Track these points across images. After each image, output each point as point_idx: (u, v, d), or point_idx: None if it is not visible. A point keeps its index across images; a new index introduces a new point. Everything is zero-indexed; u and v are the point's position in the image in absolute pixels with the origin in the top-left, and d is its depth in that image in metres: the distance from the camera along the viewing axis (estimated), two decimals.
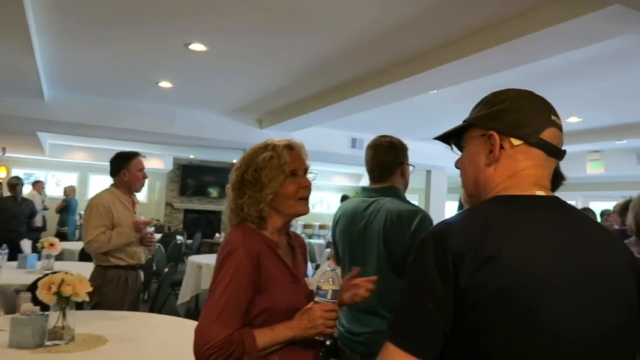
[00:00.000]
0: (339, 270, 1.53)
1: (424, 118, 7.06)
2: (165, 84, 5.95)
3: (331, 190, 15.81)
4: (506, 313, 0.85)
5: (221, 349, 1.27)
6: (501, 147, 1.01)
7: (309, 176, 1.53)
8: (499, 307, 0.85)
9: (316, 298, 1.43)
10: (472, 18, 3.37)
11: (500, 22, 3.27)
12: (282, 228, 1.52)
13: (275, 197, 1.45)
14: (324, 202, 16.14)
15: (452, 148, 1.15)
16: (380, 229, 2.00)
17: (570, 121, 6.81)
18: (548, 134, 1.00)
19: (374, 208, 2.06)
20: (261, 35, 4.06)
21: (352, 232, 2.10)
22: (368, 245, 2.03)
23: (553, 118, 1.02)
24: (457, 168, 1.12)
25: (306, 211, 1.50)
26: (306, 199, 1.50)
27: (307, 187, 1.50)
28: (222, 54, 4.62)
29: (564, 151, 1.03)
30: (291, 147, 1.51)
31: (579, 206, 10.39)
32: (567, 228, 0.94)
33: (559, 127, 1.03)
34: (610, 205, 6.44)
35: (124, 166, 3.24)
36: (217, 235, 10.91)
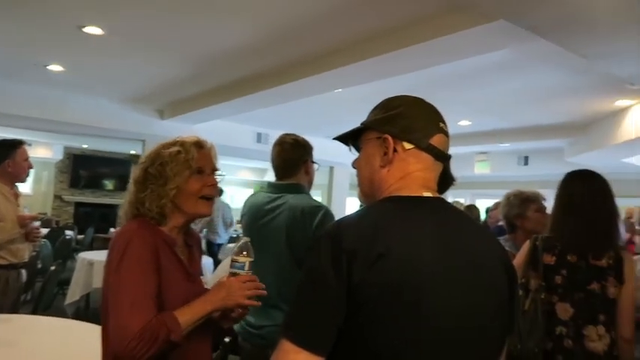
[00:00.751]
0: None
1: (329, 115, 7.20)
2: (55, 67, 5.51)
3: (236, 184, 15.63)
4: (394, 308, 0.89)
5: (143, 338, 1.21)
6: (395, 150, 1.06)
7: (217, 177, 1.51)
8: (387, 303, 0.89)
9: (232, 270, 1.42)
10: (375, 22, 3.49)
11: (400, 28, 3.42)
12: (182, 227, 1.48)
13: (178, 193, 1.42)
14: (228, 196, 15.90)
15: (350, 149, 1.20)
16: (283, 225, 2.03)
17: (461, 124, 7.29)
18: (436, 140, 1.07)
19: (278, 204, 2.09)
20: (162, 23, 3.90)
21: (256, 226, 2.11)
22: (271, 240, 2.05)
23: (441, 125, 1.10)
24: (354, 168, 1.17)
25: (208, 212, 1.48)
26: (210, 199, 1.48)
27: (213, 187, 1.48)
28: (120, 40, 4.38)
29: (450, 156, 1.11)
30: (200, 145, 1.49)
31: (467, 203, 11.17)
32: (449, 227, 1.02)
33: (446, 134, 1.10)
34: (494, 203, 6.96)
35: (8, 155, 2.98)
36: (112, 230, 10.32)
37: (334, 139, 1.22)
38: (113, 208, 13.13)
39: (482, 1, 2.34)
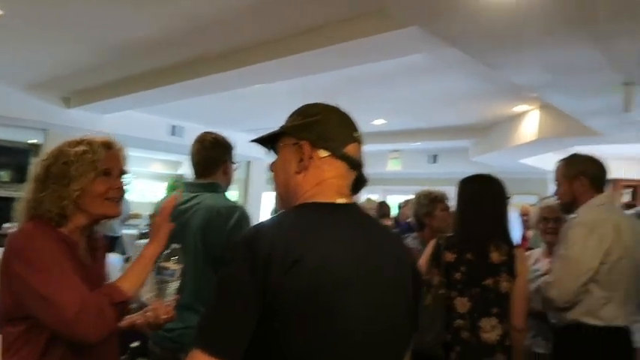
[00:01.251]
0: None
1: (249, 109, 7.11)
2: None
3: (148, 177, 15.01)
4: (308, 313, 0.92)
5: (87, 311, 1.15)
6: (310, 157, 1.08)
7: (124, 180, 1.45)
8: (302, 308, 0.91)
9: (161, 277, 1.38)
10: (292, 21, 3.51)
11: (317, 29, 3.47)
12: (85, 228, 1.41)
13: (82, 194, 1.34)
14: (140, 189, 15.26)
15: (268, 151, 1.21)
16: (199, 225, 2.00)
17: (376, 123, 7.50)
18: (351, 149, 1.11)
19: (193, 203, 2.06)
20: (69, 6, 3.66)
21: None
22: (186, 240, 2.00)
23: (355, 134, 1.14)
24: (271, 171, 1.18)
25: (116, 213, 1.42)
26: (117, 200, 1.42)
27: (119, 189, 1.42)
28: (20, 21, 4.04)
29: (362, 163, 1.15)
30: (109, 145, 1.42)
31: (380, 199, 11.53)
32: (361, 232, 1.06)
33: (360, 143, 1.15)
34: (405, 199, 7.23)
35: None
36: (6, 224, 9.49)
37: (252, 141, 1.22)
38: (9, 200, 12.00)
39: (395, 8, 2.44)
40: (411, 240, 2.90)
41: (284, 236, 0.95)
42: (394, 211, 7.13)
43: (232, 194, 11.97)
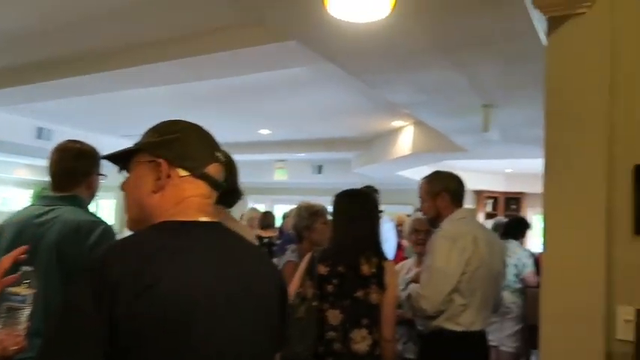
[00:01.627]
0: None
1: (129, 114, 6.70)
2: None
3: (12, 184, 13.60)
4: (163, 340, 0.86)
5: None
6: (168, 175, 1.03)
7: None
8: (156, 336, 0.86)
9: (10, 304, 1.20)
10: (170, 27, 3.38)
11: (195, 36, 3.37)
12: None
13: None
14: (1, 197, 13.75)
15: (119, 170, 1.12)
16: (54, 241, 1.81)
17: (262, 132, 7.50)
18: (212, 169, 1.07)
19: (49, 217, 1.86)
20: None
21: (21, 243, 1.84)
22: (40, 257, 1.81)
23: (217, 154, 1.10)
24: (122, 190, 1.10)
25: None
26: None
27: None
28: None
29: (225, 184, 1.12)
30: None
31: (266, 208, 11.52)
32: (224, 253, 1.03)
33: (221, 163, 1.11)
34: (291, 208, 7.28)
35: None
36: None
37: (103, 157, 1.14)
38: None
39: (273, 21, 2.44)
40: (289, 253, 2.90)
41: (136, 259, 0.89)
42: (280, 221, 7.14)
43: (106, 204, 11.20)
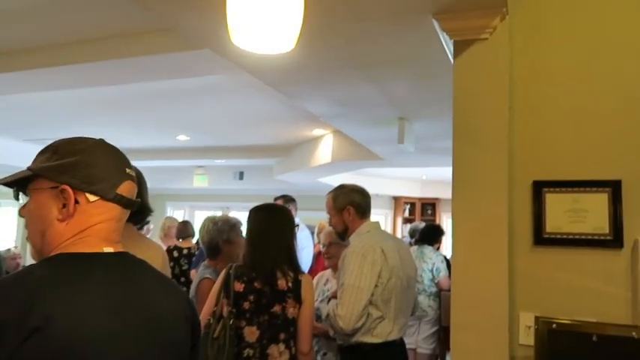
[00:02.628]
0: None
1: (33, 117, 6.22)
2: None
3: None
4: None
5: None
6: (76, 201, 0.95)
7: None
8: None
9: None
10: (79, 29, 3.19)
11: (105, 39, 3.21)
12: None
13: None
14: None
15: (17, 196, 1.02)
16: None
17: (180, 138, 7.27)
18: (124, 188, 1.00)
19: None
20: None
21: None
22: None
23: (128, 171, 1.03)
24: (21, 216, 1.00)
25: None
26: None
27: None
28: None
29: (137, 202, 1.05)
30: None
31: (186, 216, 11.19)
32: (126, 286, 0.96)
33: (133, 179, 1.04)
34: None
35: None
36: None
37: None
38: None
39: (188, 30, 2.36)
40: (203, 269, 2.77)
41: (24, 298, 0.81)
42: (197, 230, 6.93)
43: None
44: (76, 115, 5.61)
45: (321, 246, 3.08)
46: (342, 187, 2.56)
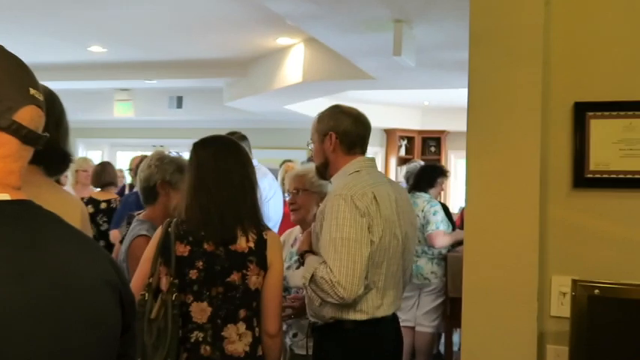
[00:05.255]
0: None
1: None
2: None
3: None
4: None
5: None
6: None
7: None
8: None
9: None
10: None
11: None
12: None
13: None
14: None
15: None
16: None
17: (93, 50, 7.12)
18: (24, 115, 0.97)
19: None
20: None
21: None
22: None
23: (32, 92, 1.00)
24: None
25: None
26: None
27: None
28: None
29: (44, 137, 1.03)
30: None
31: (106, 157, 11.06)
32: (30, 245, 0.96)
33: (39, 105, 1.01)
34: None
35: None
36: None
37: None
38: None
39: None
40: (138, 224, 2.75)
41: None
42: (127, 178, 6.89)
43: None
44: None
45: (285, 194, 3.10)
46: (334, 107, 2.55)
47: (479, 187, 1.89)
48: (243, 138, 4.76)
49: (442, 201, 5.66)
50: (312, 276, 2.26)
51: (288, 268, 2.80)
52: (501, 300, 1.84)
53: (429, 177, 5.13)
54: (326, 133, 2.45)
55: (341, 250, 2.22)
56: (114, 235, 4.52)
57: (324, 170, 2.52)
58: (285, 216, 4.59)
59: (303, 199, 2.85)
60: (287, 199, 3.09)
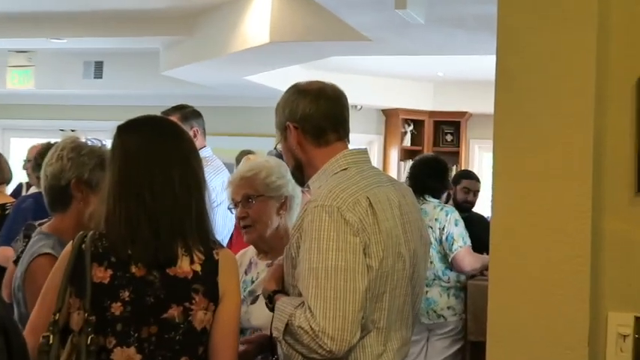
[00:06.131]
0: None
1: None
2: None
3: None
4: None
5: None
6: None
7: None
8: None
9: None
10: None
11: None
12: None
13: None
14: None
15: None
16: None
17: None
18: None
19: None
20: None
21: None
22: None
23: None
24: None
25: None
26: None
27: None
28: None
29: None
30: None
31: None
32: None
33: None
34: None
35: None
36: None
37: None
38: None
39: None
40: (40, 237, 2.73)
41: None
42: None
43: None
44: None
45: (230, 206, 3.04)
46: (289, 89, 2.52)
47: (510, 191, 1.91)
48: (195, 115, 4.74)
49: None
50: (287, 326, 2.19)
51: (242, 301, 2.77)
52: (540, 345, 1.86)
53: (436, 175, 5.16)
54: (285, 127, 2.44)
55: (325, 286, 2.15)
56: (4, 253, 4.46)
57: (300, 175, 2.52)
58: (237, 229, 4.51)
59: (258, 209, 2.86)
60: (233, 213, 3.02)
